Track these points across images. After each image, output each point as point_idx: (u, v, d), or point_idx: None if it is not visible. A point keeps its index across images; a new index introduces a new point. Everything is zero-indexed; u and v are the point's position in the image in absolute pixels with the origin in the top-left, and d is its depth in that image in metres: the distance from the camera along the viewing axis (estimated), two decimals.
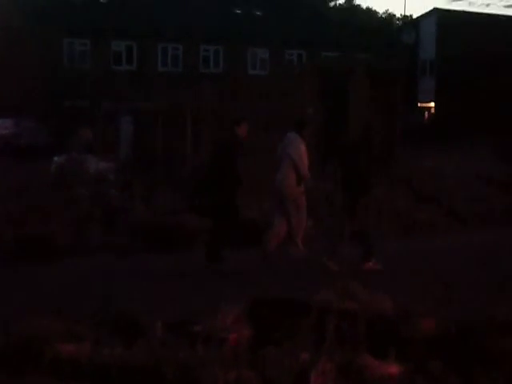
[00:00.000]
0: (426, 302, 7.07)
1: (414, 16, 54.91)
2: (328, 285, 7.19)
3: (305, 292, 7.20)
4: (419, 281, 9.41)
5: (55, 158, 19.76)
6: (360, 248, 11.03)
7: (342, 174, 11.38)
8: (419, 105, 51.04)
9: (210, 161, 11.48)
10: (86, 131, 22.63)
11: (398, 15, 58.32)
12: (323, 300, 6.50)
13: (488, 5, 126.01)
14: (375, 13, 59.67)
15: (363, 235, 11.02)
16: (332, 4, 52.44)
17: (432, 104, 50.87)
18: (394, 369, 5.74)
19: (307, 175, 11.46)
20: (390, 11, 60.37)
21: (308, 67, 26.00)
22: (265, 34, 44.49)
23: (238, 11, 46.91)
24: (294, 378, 5.65)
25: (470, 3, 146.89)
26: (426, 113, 51.32)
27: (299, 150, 11.46)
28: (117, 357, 5.91)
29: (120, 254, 11.89)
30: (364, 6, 46.83)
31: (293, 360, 5.82)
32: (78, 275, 10.66)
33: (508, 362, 5.91)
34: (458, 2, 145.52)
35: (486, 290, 9.06)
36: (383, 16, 61.16)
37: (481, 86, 46.02)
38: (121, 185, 16.56)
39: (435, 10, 52.39)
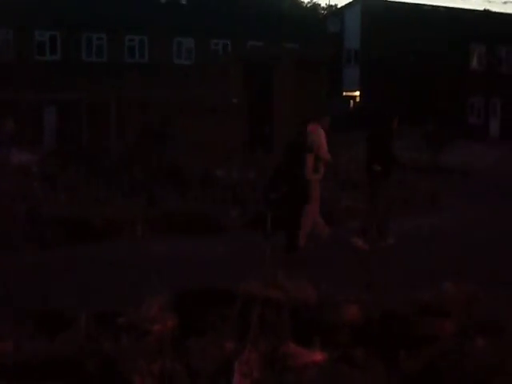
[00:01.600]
0: (350, 289, 7.15)
1: (339, 5, 55.26)
2: (255, 274, 7.19)
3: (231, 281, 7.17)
4: (345, 268, 9.54)
5: None
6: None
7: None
8: (344, 93, 51.37)
9: (285, 158, 11.78)
10: (9, 122, 22.19)
11: (322, 4, 58.62)
12: (248, 289, 6.47)
13: None
14: (300, 2, 59.75)
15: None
16: None
17: (357, 93, 51.27)
18: (318, 356, 5.77)
19: (328, 157, 12.21)
20: (314, 0, 60.41)
21: (232, 56, 25.93)
22: (190, 23, 44.22)
23: (163, 1, 46.54)
24: (219, 368, 5.64)
25: None
26: (351, 101, 51.68)
27: (320, 137, 12.08)
28: (40, 351, 5.81)
29: (43, 246, 11.70)
30: None
31: (217, 350, 5.81)
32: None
33: (430, 345, 5.99)
34: None
35: (410, 275, 9.18)
36: (308, 5, 61.33)
37: (405, 75, 46.64)
38: (44, 177, 16.28)
39: (360, 0, 52.79)
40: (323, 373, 5.51)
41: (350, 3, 53.55)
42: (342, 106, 47.58)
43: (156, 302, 6.39)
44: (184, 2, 47.35)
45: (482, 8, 57.86)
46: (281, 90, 22.36)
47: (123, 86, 22.08)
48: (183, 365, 5.70)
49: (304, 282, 6.79)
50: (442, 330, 6.18)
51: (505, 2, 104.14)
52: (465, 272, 8.88)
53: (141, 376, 5.58)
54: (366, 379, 5.38)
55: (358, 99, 51.47)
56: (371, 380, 5.39)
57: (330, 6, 57.75)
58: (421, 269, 10.02)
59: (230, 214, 13.36)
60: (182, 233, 12.30)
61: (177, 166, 16.27)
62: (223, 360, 5.69)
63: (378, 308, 6.51)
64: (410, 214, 14.95)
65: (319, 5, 62.48)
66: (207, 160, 16.86)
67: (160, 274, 8.85)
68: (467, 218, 15.11)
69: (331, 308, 6.31)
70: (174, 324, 6.22)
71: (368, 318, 6.28)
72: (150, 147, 18.11)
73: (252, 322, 6.06)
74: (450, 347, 5.91)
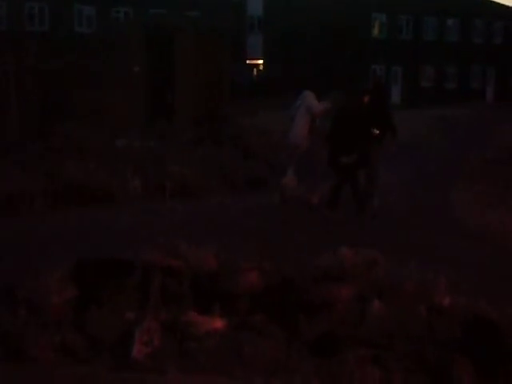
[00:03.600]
0: (249, 257, 7.19)
1: None
2: (154, 243, 7.17)
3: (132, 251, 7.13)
4: (244, 237, 9.59)
5: None
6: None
7: None
8: (248, 62, 51.36)
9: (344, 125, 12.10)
10: None
11: None
12: (148, 258, 6.45)
13: None
14: None
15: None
16: None
17: (260, 61, 51.35)
18: (218, 324, 5.80)
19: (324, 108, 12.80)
20: None
21: (133, 25, 25.57)
22: None
23: None
24: (119, 338, 5.62)
25: None
26: (255, 69, 51.73)
27: (315, 101, 12.86)
28: None
29: None
30: None
31: (117, 320, 5.79)
32: None
33: (329, 311, 6.08)
34: None
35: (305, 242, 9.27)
36: None
37: (307, 44, 46.91)
38: None
39: None
40: (223, 340, 5.55)
41: None
42: (245, 73, 47.61)
43: (55, 273, 6.31)
44: None
45: None
46: (182, 59, 22.17)
47: (23, 54, 21.47)
48: (83, 336, 5.66)
49: (205, 249, 6.79)
50: (340, 295, 6.27)
51: None
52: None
53: (41, 349, 5.52)
54: (265, 346, 5.44)
55: (261, 67, 51.56)
56: (271, 346, 5.45)
57: None
58: None
59: (131, 185, 13.24)
60: (82, 205, 12.11)
61: (75, 138, 15.98)
62: (123, 330, 5.67)
63: (278, 274, 6.57)
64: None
65: None
66: (107, 131, 16.64)
67: (59, 247, 8.77)
68: None
69: (231, 275, 6.34)
70: (73, 295, 6.15)
71: (268, 285, 6.33)
72: (48, 119, 17.75)
73: (152, 291, 6.06)
74: (347, 312, 6.01)
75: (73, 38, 39.66)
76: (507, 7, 61.51)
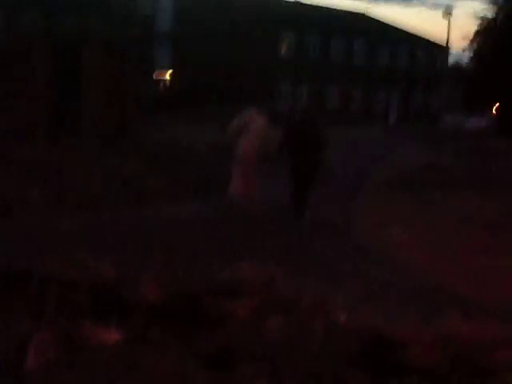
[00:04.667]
0: (149, 269, 7.13)
1: None
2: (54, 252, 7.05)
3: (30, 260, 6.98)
4: (148, 248, 9.52)
5: None
6: None
7: None
8: (156, 75, 51.26)
9: None
10: None
11: None
12: (44, 269, 6.33)
13: None
14: None
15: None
16: None
17: (168, 75, 51.33)
18: (113, 336, 5.72)
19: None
20: None
21: (38, 34, 25.15)
22: None
23: None
24: (11, 351, 5.48)
25: None
26: (162, 83, 51.65)
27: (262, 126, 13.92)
28: None
29: None
30: None
31: (11, 330, 5.65)
32: None
33: (225, 324, 6.07)
34: None
35: (209, 255, 9.26)
36: None
37: (216, 56, 47.11)
38: None
39: None
40: (117, 352, 5.47)
41: None
42: (153, 86, 47.53)
43: None
44: None
45: None
46: (89, 72, 21.90)
47: None
48: None
49: (105, 261, 6.71)
50: (237, 310, 6.27)
51: None
52: None
53: None
54: (160, 359, 5.38)
55: (168, 80, 51.53)
56: (166, 360, 5.40)
57: None
58: None
59: (32, 193, 12.99)
60: None
61: None
62: (17, 340, 5.54)
63: (177, 287, 6.53)
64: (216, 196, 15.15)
65: None
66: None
67: None
68: None
69: (128, 286, 6.27)
70: None
71: (165, 297, 6.29)
72: None
73: (47, 302, 5.94)
74: (245, 327, 6.01)
75: None
76: (411, 33, 63.00)
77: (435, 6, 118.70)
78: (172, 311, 6.13)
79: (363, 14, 63.12)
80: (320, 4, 61.56)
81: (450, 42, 70.13)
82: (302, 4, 58.78)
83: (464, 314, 6.94)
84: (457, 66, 71.23)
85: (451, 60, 71.00)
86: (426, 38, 63.94)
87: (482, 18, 65.14)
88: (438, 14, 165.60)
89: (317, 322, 6.10)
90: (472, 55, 67.09)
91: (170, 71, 51.23)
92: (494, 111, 55.74)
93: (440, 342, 5.89)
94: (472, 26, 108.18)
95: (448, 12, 59.59)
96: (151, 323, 5.95)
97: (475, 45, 66.15)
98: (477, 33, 65.95)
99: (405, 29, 63.25)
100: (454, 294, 8.43)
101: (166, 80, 51.55)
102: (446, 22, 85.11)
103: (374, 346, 5.77)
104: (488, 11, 64.89)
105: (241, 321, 6.15)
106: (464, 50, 76.52)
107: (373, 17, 63.85)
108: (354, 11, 63.48)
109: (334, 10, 60.67)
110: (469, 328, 6.26)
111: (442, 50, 62.52)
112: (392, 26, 62.34)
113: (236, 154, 13.95)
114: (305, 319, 6.15)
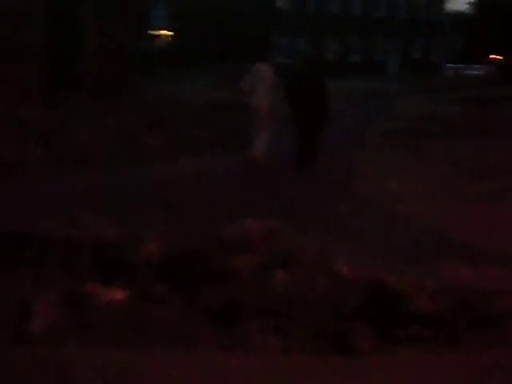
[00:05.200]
0: (155, 227, 7.14)
1: None
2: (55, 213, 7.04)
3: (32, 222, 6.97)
4: (150, 207, 9.51)
5: None
6: None
7: None
8: (151, 32, 50.85)
9: None
10: None
11: None
12: (46, 230, 6.33)
13: None
14: None
15: None
16: None
17: (164, 32, 50.93)
18: (119, 295, 5.74)
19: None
20: None
21: None
22: None
23: None
24: (19, 311, 5.50)
25: None
26: (158, 40, 51.28)
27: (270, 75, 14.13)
28: None
29: None
30: None
31: (16, 291, 5.67)
32: None
33: (231, 281, 6.09)
34: None
35: (212, 213, 9.26)
36: None
37: (210, 16, 46.79)
38: None
39: None
40: (124, 310, 5.49)
41: None
42: (149, 45, 47.23)
43: None
44: None
45: None
46: (86, 28, 21.80)
47: None
48: None
49: (105, 219, 6.72)
50: (243, 265, 6.28)
51: None
52: None
53: None
54: (166, 315, 5.41)
55: (164, 38, 51.14)
56: (172, 316, 5.42)
57: None
58: None
59: (33, 154, 12.95)
60: None
61: None
62: (22, 302, 5.56)
63: (180, 244, 6.55)
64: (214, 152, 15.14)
65: None
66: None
67: None
68: None
69: (131, 246, 6.28)
70: None
71: (169, 256, 6.30)
72: None
73: (52, 262, 5.95)
74: (249, 282, 6.03)
75: None
76: None
77: None
78: (176, 268, 6.16)
79: None
80: None
81: None
82: None
83: (467, 262, 6.96)
84: (456, 15, 70.79)
85: (450, 8, 70.38)
86: None
87: None
88: None
89: (320, 275, 6.13)
90: (472, 2, 66.77)
91: (167, 31, 50.82)
92: (490, 60, 55.42)
93: (443, 290, 5.91)
94: None
95: None
96: (156, 281, 5.97)
97: None
98: None
99: None
100: (456, 242, 8.43)
101: (164, 38, 51.17)
102: None
103: (378, 297, 5.79)
104: None
105: (245, 276, 6.17)
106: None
107: None
108: None
109: None
110: (471, 276, 6.28)
111: None
112: None
113: (253, 109, 14.15)
114: (308, 273, 6.18)
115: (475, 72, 45.42)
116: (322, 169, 13.29)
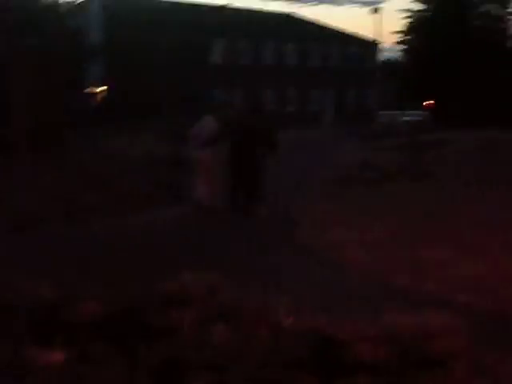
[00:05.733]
0: (92, 286, 7.03)
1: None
2: None
3: None
4: (87, 265, 9.38)
5: None
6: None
7: None
8: (88, 90, 50.84)
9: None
10: None
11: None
12: None
13: None
14: None
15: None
16: None
17: (100, 89, 50.96)
18: (58, 356, 5.61)
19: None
20: None
21: None
22: None
23: None
24: None
25: None
26: (95, 97, 51.26)
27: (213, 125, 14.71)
28: None
29: None
30: None
31: None
32: None
33: (171, 335, 6.01)
34: None
35: (152, 267, 9.17)
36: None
37: (150, 70, 46.98)
38: None
39: None
40: (62, 373, 5.36)
41: None
42: (86, 100, 47.14)
43: None
44: None
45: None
46: (19, 86, 21.68)
47: None
48: None
49: (42, 280, 6.60)
50: (183, 320, 6.21)
51: None
52: None
53: None
54: (105, 376, 5.29)
55: (101, 95, 51.11)
56: (111, 376, 5.31)
57: (71, 2, 56.30)
58: None
59: None
60: None
61: None
62: None
63: (119, 302, 6.46)
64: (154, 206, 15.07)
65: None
66: None
67: None
68: None
69: (69, 306, 6.16)
70: None
71: (107, 313, 6.20)
72: None
73: None
74: (190, 337, 5.95)
75: None
76: (342, 32, 63.58)
77: (364, 4, 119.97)
78: (114, 326, 6.05)
79: (290, 16, 63.53)
80: (246, 7, 61.91)
81: (379, 39, 70.91)
82: (229, 9, 58.86)
83: (407, 306, 6.99)
84: (389, 63, 72.20)
85: (382, 56, 71.78)
86: (356, 35, 64.53)
87: (413, 12, 66.28)
88: (366, 11, 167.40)
89: (262, 327, 6.08)
90: (405, 50, 68.19)
91: (103, 87, 50.83)
92: (425, 105, 56.41)
93: (386, 336, 5.91)
94: (400, 22, 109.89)
95: (375, 9, 60.35)
96: (94, 340, 5.85)
97: (409, 39, 67.31)
98: (409, 27, 67.06)
99: (334, 27, 63.83)
100: (397, 287, 8.47)
101: (98, 94, 51.15)
102: (374, 18, 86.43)
103: (320, 346, 5.76)
104: (418, 5, 66.09)
105: (186, 331, 6.09)
106: (395, 46, 78.12)
107: (301, 18, 64.27)
108: (282, 13, 63.94)
109: (262, 12, 61.06)
110: (412, 320, 6.29)
111: (372, 46, 63.30)
112: (321, 26, 62.85)
113: (197, 159, 14.72)
114: (250, 326, 6.12)
115: (410, 118, 46.10)
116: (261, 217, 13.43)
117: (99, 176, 17.22)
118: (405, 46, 69.35)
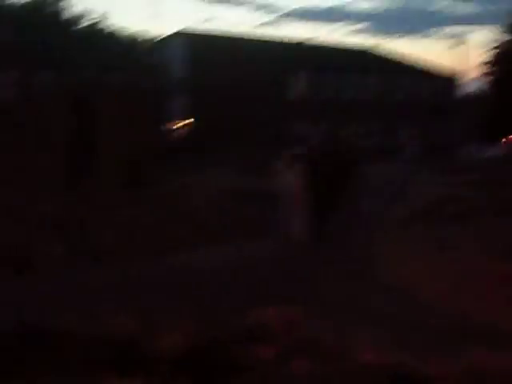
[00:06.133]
0: (174, 318, 7.09)
1: (164, 36, 55.06)
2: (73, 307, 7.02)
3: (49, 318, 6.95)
4: (169, 297, 9.46)
5: None
6: None
7: None
8: (174, 123, 51.52)
9: None
10: None
11: (146, 36, 57.97)
12: (65, 325, 6.31)
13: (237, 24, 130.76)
14: (120, 35, 58.00)
15: None
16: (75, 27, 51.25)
17: (185, 122, 51.61)
18: None
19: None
20: (134, 32, 58.40)
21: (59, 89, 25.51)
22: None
23: None
24: None
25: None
26: (180, 130, 51.89)
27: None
28: None
29: None
30: (108, 30, 46.70)
31: None
32: None
33: (252, 370, 6.02)
34: (207, 23, 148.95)
35: (233, 301, 9.21)
36: (128, 37, 59.90)
37: (230, 104, 47.35)
38: None
39: (183, 32, 53.37)
40: None
41: (173, 34, 53.98)
42: (171, 135, 47.80)
43: None
44: None
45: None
46: (108, 122, 22.13)
47: None
48: None
49: (126, 313, 6.68)
50: (264, 355, 6.22)
51: None
52: None
53: None
54: None
55: (186, 128, 51.75)
56: None
57: (153, 38, 57.25)
58: None
59: (54, 251, 12.98)
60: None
61: None
62: None
63: (202, 336, 6.50)
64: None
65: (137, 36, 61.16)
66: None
67: None
68: None
69: (150, 338, 6.23)
70: None
71: (190, 347, 6.24)
72: None
73: (68, 356, 5.91)
74: (270, 372, 5.95)
75: None
76: (425, 65, 62.99)
77: (448, 36, 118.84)
78: (195, 361, 6.09)
79: (367, 52, 63.40)
80: (325, 43, 61.95)
81: (463, 72, 70.20)
82: (309, 44, 59.02)
83: (491, 345, 6.86)
84: (472, 96, 71.17)
85: (465, 90, 70.85)
86: (439, 67, 64.00)
87: (497, 45, 65.28)
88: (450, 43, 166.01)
89: (341, 362, 6.05)
90: (489, 83, 67.05)
91: (187, 121, 51.48)
92: (507, 140, 55.21)
93: (468, 375, 5.82)
94: (483, 55, 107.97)
95: (459, 42, 59.80)
96: (175, 373, 5.90)
97: (492, 72, 66.22)
98: (493, 60, 66.04)
99: (413, 62, 63.44)
100: (481, 324, 8.32)
101: (182, 129, 51.75)
102: (458, 51, 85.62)
103: (403, 382, 5.70)
104: (502, 38, 65.11)
105: (266, 366, 6.09)
106: (478, 79, 76.94)
107: (383, 53, 64.10)
108: (362, 48, 63.85)
109: (340, 48, 61.09)
110: (497, 359, 6.18)
111: (455, 79, 62.66)
112: (400, 61, 62.57)
113: (285, 194, 14.95)
114: (329, 360, 6.10)
115: (493, 153, 45.26)
116: (340, 252, 13.37)
117: (186, 210, 17.39)
118: (490, 77, 68.21)
